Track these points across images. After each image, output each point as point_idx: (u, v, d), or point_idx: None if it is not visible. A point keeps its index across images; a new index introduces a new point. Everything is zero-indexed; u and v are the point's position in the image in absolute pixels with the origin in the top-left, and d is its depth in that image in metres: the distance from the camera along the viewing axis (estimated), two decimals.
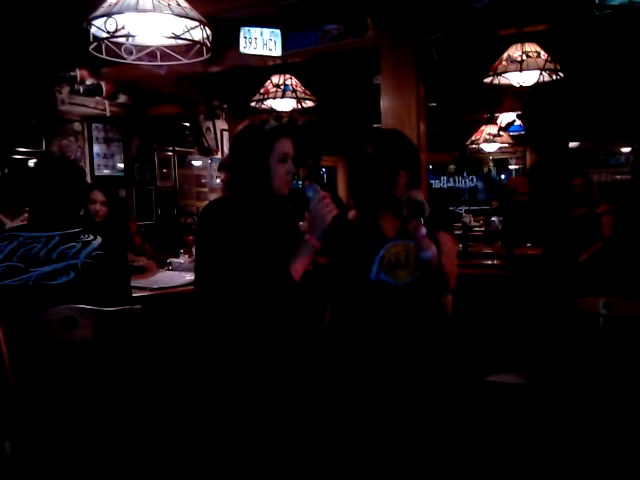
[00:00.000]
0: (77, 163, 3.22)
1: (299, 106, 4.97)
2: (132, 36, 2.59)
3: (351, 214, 2.11)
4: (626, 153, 6.66)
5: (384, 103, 4.03)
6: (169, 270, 3.58)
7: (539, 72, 3.97)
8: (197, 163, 6.60)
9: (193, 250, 3.70)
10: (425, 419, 1.94)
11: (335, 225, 1.73)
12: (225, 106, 6.55)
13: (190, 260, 3.61)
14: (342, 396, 1.92)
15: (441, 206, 2.11)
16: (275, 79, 4.78)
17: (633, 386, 2.52)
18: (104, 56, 2.68)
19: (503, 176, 8.13)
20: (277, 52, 4.24)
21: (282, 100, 4.82)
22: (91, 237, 2.12)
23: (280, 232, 1.77)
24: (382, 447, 1.93)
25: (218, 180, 5.79)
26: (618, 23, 3.82)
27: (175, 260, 3.67)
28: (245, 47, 4.21)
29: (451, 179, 8.12)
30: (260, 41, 4.22)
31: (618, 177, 6.53)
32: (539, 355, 3.12)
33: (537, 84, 4.16)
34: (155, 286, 3.05)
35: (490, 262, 4.12)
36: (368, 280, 1.97)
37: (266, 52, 4.23)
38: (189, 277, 3.20)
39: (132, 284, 2.43)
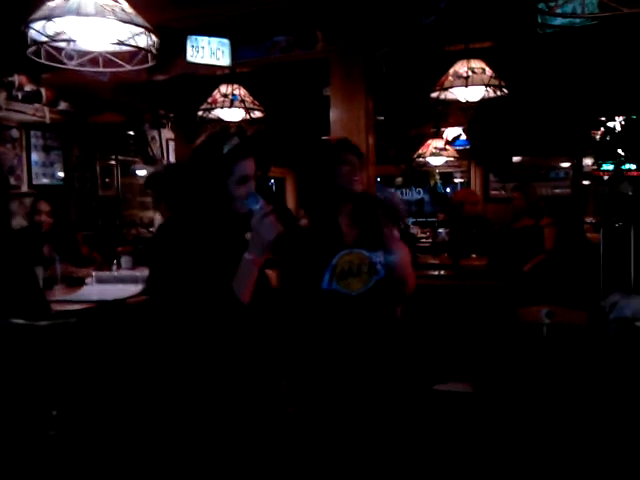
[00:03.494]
0: None
1: (247, 116, 4.93)
2: (73, 40, 2.49)
3: (303, 222, 2.08)
4: (566, 168, 6.90)
5: (333, 115, 4.03)
6: (92, 283, 3.44)
7: (484, 88, 4.07)
8: (141, 172, 6.45)
9: (122, 261, 3.65)
10: (377, 428, 1.93)
11: (280, 241, 1.62)
12: (171, 115, 6.43)
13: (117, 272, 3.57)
14: (300, 407, 1.90)
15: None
16: (223, 89, 4.72)
17: (577, 391, 2.58)
18: (43, 61, 2.57)
19: (449, 189, 8.31)
20: (225, 62, 4.18)
21: (230, 110, 4.77)
22: None
23: (234, 251, 1.68)
24: (334, 456, 1.91)
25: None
26: (560, 42, 3.96)
27: (102, 273, 3.54)
28: (192, 56, 4.13)
29: (398, 191, 8.24)
30: (208, 50, 4.15)
31: (557, 191, 6.77)
32: (486, 364, 3.16)
33: (482, 100, 4.26)
34: (94, 298, 2.97)
35: (437, 273, 4.16)
36: (320, 289, 1.94)
37: (214, 61, 4.16)
38: (132, 288, 3.15)
39: (66, 297, 2.34)
